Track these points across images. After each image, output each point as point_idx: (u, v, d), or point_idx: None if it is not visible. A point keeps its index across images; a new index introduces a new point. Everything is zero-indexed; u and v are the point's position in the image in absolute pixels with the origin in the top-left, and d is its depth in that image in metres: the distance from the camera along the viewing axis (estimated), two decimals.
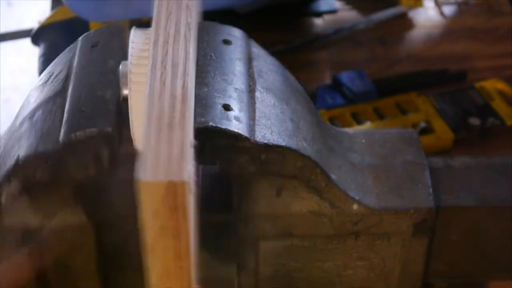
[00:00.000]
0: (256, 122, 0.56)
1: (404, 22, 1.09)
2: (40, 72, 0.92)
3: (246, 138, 0.55)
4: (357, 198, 0.60)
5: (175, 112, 0.47)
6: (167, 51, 0.50)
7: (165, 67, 0.49)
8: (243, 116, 0.55)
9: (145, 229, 0.45)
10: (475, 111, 0.95)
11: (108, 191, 0.56)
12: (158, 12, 0.53)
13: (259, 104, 0.57)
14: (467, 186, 0.65)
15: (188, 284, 0.47)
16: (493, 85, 0.97)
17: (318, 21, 1.09)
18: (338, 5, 1.10)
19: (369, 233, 0.62)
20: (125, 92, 0.53)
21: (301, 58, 1.03)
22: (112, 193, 0.56)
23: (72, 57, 0.60)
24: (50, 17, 1.01)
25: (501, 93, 0.96)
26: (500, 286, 0.72)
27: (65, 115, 0.55)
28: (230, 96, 0.56)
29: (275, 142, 0.56)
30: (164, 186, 0.44)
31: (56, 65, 0.61)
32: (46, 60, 0.97)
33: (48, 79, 0.60)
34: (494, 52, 1.05)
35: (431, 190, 0.63)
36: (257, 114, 0.57)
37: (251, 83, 0.58)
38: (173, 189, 0.44)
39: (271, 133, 0.56)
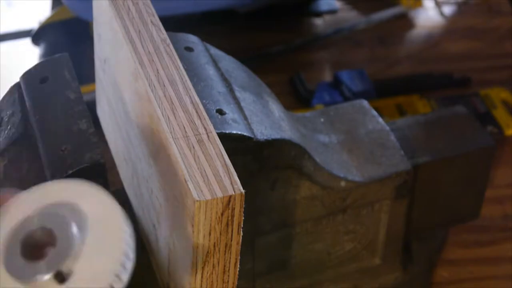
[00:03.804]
0: (249, 120, 0.57)
1: (404, 22, 1.09)
2: None
3: (249, 138, 0.55)
4: (342, 175, 0.62)
5: (198, 128, 0.47)
6: (157, 70, 0.51)
7: (164, 85, 0.50)
8: (237, 117, 0.56)
9: (194, 251, 0.46)
10: None
11: None
12: (126, 32, 0.53)
13: (243, 103, 0.58)
14: (422, 143, 0.68)
15: None
16: (497, 93, 0.97)
17: (318, 21, 1.09)
18: (338, 5, 1.10)
19: (355, 205, 0.64)
20: None
21: (301, 58, 1.03)
22: None
23: (19, 98, 0.58)
24: (50, 17, 1.01)
25: (505, 102, 0.96)
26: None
27: (45, 158, 0.54)
28: (218, 101, 0.56)
29: (272, 136, 0.57)
30: (222, 201, 0.44)
31: (2, 109, 0.60)
32: None
33: None
34: (494, 52, 1.05)
35: (402, 152, 0.65)
36: (246, 112, 0.57)
37: (227, 84, 0.59)
38: (232, 202, 0.44)
39: (265, 129, 0.57)
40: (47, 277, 0.42)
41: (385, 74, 1.01)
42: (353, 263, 0.67)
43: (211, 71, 0.59)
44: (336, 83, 0.97)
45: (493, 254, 0.82)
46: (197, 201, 0.44)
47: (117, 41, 0.54)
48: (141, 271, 0.58)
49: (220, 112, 0.55)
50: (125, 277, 0.43)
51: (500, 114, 0.95)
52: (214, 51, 0.62)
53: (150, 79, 0.50)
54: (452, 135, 0.69)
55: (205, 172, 0.45)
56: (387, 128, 0.67)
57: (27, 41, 1.02)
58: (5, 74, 1.00)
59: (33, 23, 1.01)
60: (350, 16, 1.09)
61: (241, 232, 0.46)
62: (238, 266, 0.48)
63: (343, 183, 0.62)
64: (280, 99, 0.65)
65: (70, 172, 0.52)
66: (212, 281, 0.47)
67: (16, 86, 0.60)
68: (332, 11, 1.09)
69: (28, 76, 0.60)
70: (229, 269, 0.47)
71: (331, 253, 0.66)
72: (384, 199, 0.65)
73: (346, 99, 0.95)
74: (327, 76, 1.01)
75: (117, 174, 0.60)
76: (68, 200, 0.44)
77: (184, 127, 0.48)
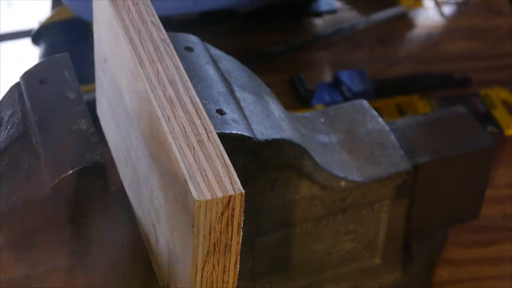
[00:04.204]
0: (249, 120, 0.57)
1: (404, 22, 1.09)
2: None
3: (249, 138, 0.56)
4: (342, 175, 0.62)
5: (198, 128, 0.47)
6: (157, 70, 0.51)
7: (164, 85, 0.50)
8: (237, 117, 0.56)
9: (194, 251, 0.46)
10: None
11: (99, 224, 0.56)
12: (126, 32, 0.53)
13: (243, 103, 0.58)
14: (422, 143, 0.68)
15: None
16: (497, 93, 0.97)
17: (318, 21, 1.09)
18: (338, 5, 1.10)
19: (355, 205, 0.64)
20: None
21: (301, 58, 1.03)
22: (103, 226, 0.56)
23: (19, 98, 0.58)
24: (50, 17, 1.01)
25: (505, 102, 0.96)
26: None
27: (43, 158, 0.54)
28: (218, 101, 0.57)
29: (272, 136, 0.57)
30: (222, 201, 0.44)
31: (2, 109, 0.60)
32: None
33: None
34: (494, 52, 1.05)
35: (402, 152, 0.65)
36: (246, 113, 0.57)
37: (227, 84, 0.59)
38: (232, 202, 0.44)
39: (265, 129, 0.57)
40: None
41: (385, 74, 1.01)
42: (353, 263, 0.67)
43: (211, 71, 0.59)
44: (336, 83, 0.97)
45: (493, 254, 0.82)
46: (197, 201, 0.44)
47: (117, 41, 0.54)
48: (141, 271, 0.58)
49: (220, 112, 0.56)
50: None
51: (500, 114, 0.95)
52: (214, 51, 0.62)
53: (150, 79, 0.50)
54: (452, 135, 0.69)
55: (205, 172, 0.45)
56: (387, 128, 0.67)
57: (27, 41, 1.02)
58: (5, 74, 1.00)
59: (33, 23, 1.01)
60: (350, 16, 1.09)
61: (241, 232, 0.46)
62: (238, 266, 0.48)
63: (343, 183, 0.62)
64: (280, 99, 0.65)
65: (70, 172, 0.53)
66: (212, 281, 0.47)
67: (16, 86, 0.60)
68: (332, 11, 1.09)
69: (28, 76, 0.60)
70: (229, 269, 0.47)
71: (331, 253, 0.66)
72: (384, 199, 0.65)
73: (346, 99, 0.95)
74: (327, 76, 1.01)
75: (117, 174, 0.60)
76: None
77: (184, 127, 0.48)
